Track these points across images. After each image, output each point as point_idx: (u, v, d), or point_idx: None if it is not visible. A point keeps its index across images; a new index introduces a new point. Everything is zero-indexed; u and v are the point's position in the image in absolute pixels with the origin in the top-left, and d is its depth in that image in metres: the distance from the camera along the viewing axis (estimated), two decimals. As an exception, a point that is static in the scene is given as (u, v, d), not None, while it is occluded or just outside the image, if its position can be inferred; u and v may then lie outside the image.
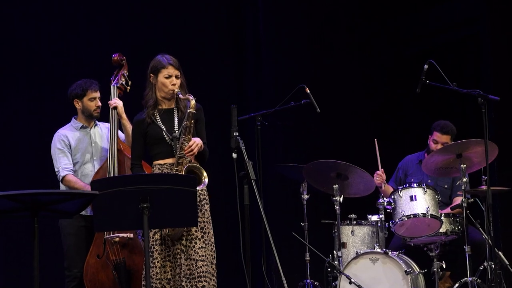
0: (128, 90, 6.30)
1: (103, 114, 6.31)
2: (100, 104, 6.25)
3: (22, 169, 7.52)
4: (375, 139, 6.88)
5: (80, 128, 6.29)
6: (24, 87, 7.65)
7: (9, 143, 7.54)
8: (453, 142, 6.44)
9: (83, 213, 5.89)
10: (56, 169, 6.19)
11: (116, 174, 5.99)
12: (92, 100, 6.24)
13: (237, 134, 5.56)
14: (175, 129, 5.45)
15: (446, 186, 7.01)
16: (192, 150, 5.35)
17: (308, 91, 6.50)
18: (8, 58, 7.57)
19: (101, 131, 6.33)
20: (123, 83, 6.29)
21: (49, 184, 6.32)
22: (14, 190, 4.26)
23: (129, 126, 5.97)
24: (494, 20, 8.16)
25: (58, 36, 7.76)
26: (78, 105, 6.27)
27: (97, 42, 7.80)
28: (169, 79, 5.46)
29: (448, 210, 6.67)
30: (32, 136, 7.49)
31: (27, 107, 7.62)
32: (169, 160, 5.41)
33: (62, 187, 6.17)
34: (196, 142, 5.37)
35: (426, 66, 6.21)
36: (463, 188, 6.34)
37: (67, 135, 6.25)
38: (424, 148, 7.13)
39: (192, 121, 5.38)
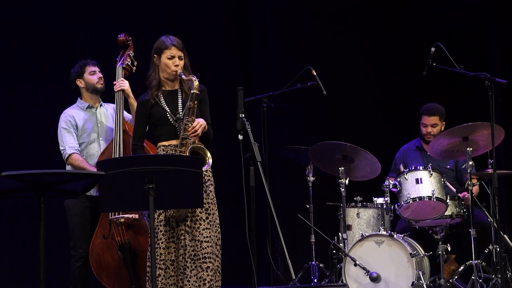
0: (134, 71, 6.29)
1: (109, 95, 6.31)
2: (101, 75, 6.27)
3: (27, 150, 7.53)
4: None
5: (87, 108, 6.30)
6: (28, 70, 7.67)
7: (14, 125, 7.56)
8: (459, 126, 6.42)
9: (88, 193, 5.90)
10: (61, 148, 6.18)
11: (122, 155, 5.99)
12: (93, 74, 6.27)
13: (243, 115, 5.56)
14: (179, 111, 5.44)
15: (448, 166, 7.02)
16: (196, 131, 5.34)
17: (315, 73, 6.50)
18: (12, 41, 7.58)
19: (106, 112, 6.34)
20: (129, 63, 6.28)
21: (54, 165, 6.31)
22: (20, 170, 4.27)
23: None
24: (501, 7, 8.12)
25: (62, 18, 7.76)
26: (81, 83, 6.29)
27: (103, 24, 7.79)
28: (172, 60, 5.44)
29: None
30: (37, 118, 7.50)
31: (32, 89, 7.63)
32: (173, 142, 5.40)
33: (68, 167, 6.18)
34: (200, 123, 5.36)
35: (433, 49, 6.20)
36: (469, 171, 6.34)
37: (73, 115, 6.25)
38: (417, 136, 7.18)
39: (196, 102, 5.37)
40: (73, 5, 7.80)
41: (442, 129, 7.02)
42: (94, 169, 5.94)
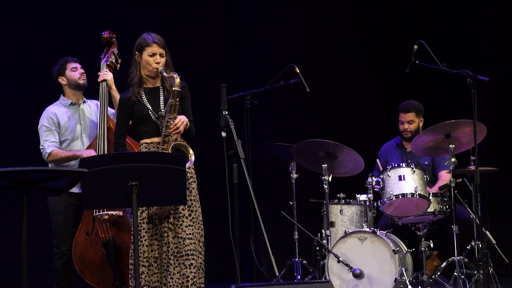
0: (118, 68, 6.29)
1: (93, 91, 6.30)
2: (83, 71, 6.28)
3: (12, 147, 7.51)
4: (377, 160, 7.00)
5: (69, 105, 6.29)
6: (24, 70, 7.66)
7: (7, 124, 7.54)
8: (441, 123, 6.44)
9: (71, 190, 5.87)
10: (41, 147, 6.16)
11: (106, 152, 5.99)
12: (74, 70, 6.27)
13: (227, 113, 5.56)
14: (160, 108, 5.44)
15: (426, 163, 7.04)
16: (178, 128, 5.34)
17: (298, 71, 6.50)
18: (9, 41, 7.57)
19: (89, 108, 6.33)
20: (113, 60, 6.28)
21: (39, 162, 6.30)
22: (3, 167, 4.25)
23: (118, 98, 5.96)
24: (488, 2, 8.16)
25: (42, 15, 7.75)
26: (63, 80, 6.28)
27: (89, 21, 7.79)
28: (153, 57, 5.44)
29: (436, 189, 6.69)
30: (17, 116, 7.48)
31: (19, 88, 7.62)
32: (156, 139, 5.40)
33: (50, 165, 6.15)
34: (182, 120, 5.36)
35: (415, 47, 6.22)
36: (451, 168, 6.37)
37: (56, 112, 6.23)
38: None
39: (177, 99, 5.37)
40: (73, 5, 7.80)
41: (420, 125, 7.08)
42: (76, 152, 6.01)
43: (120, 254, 5.93)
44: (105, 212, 5.93)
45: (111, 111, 6.23)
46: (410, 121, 7.09)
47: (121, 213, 5.95)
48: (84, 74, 6.28)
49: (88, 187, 4.78)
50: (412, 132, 7.04)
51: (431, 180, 6.93)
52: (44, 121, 6.20)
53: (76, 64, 6.28)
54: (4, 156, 7.30)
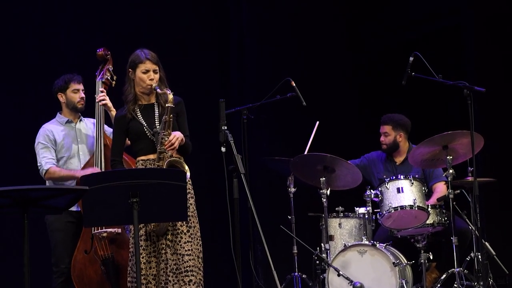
0: (113, 85, 6.28)
1: (89, 110, 6.28)
2: (83, 95, 6.25)
3: (5, 164, 7.47)
4: (317, 122, 6.92)
5: (66, 122, 6.27)
6: (5, 82, 7.61)
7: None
8: (438, 134, 6.43)
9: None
10: (38, 164, 6.15)
11: (103, 169, 5.97)
12: (76, 92, 6.24)
13: (226, 128, 5.55)
14: (156, 124, 5.43)
15: (417, 176, 7.03)
16: (172, 144, 5.33)
17: (294, 84, 6.50)
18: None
19: (86, 126, 6.32)
20: (108, 77, 6.27)
21: (33, 179, 6.27)
22: (3, 186, 4.23)
23: None
24: (477, 10, 8.18)
25: (39, 29, 7.73)
26: (62, 98, 6.26)
27: (80, 35, 7.77)
28: (146, 74, 5.44)
29: (434, 201, 6.68)
30: (15, 130, 7.45)
31: (9, 101, 7.58)
32: (152, 156, 5.40)
33: (48, 183, 6.13)
34: (177, 136, 5.36)
35: (411, 58, 6.22)
36: (449, 180, 6.37)
37: (52, 130, 6.22)
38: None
39: (171, 115, 5.37)
40: (51, 13, 7.78)
41: (399, 140, 7.07)
42: (74, 173, 6.00)
43: (119, 271, 5.91)
44: (104, 230, 5.90)
45: (107, 128, 6.22)
46: (385, 133, 7.11)
47: (119, 230, 5.92)
48: (84, 99, 6.24)
49: (89, 204, 4.77)
50: (388, 145, 7.08)
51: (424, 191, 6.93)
52: (40, 138, 6.19)
53: (79, 85, 6.23)
54: (4, 174, 7.26)
